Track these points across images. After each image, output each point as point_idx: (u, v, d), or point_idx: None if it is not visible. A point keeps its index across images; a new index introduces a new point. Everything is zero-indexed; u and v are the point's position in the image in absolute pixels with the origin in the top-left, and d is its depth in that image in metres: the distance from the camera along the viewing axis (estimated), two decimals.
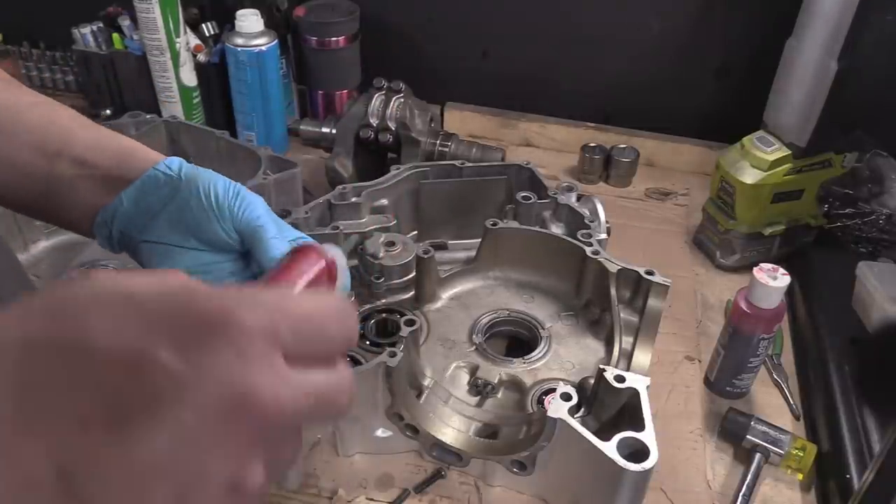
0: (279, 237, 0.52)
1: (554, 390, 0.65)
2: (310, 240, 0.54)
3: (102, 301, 0.28)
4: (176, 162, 0.54)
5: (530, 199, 0.87)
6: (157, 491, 0.26)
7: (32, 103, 0.56)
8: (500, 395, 0.75)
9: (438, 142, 1.10)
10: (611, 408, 0.67)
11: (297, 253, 0.47)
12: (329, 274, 0.46)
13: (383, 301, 0.83)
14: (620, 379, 0.66)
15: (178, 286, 0.29)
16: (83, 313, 0.27)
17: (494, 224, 0.83)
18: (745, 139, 0.95)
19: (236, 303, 0.28)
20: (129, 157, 0.54)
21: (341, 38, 1.14)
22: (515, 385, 0.76)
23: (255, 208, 0.52)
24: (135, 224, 0.53)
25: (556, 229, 0.87)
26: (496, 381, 0.75)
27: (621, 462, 0.59)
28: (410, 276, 0.83)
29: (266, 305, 0.29)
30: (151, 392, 0.26)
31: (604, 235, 0.84)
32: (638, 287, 0.78)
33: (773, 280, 0.74)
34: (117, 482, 0.26)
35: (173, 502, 0.26)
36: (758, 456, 0.74)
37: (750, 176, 0.93)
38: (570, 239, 0.82)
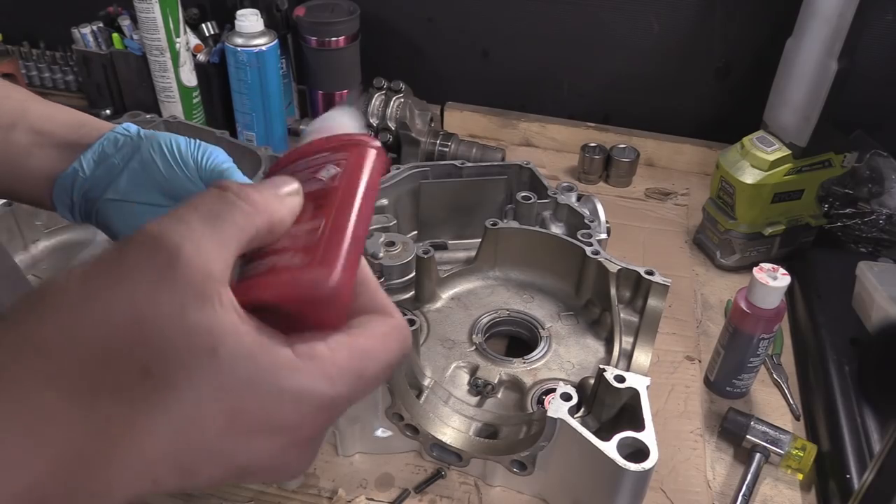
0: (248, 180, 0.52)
1: (554, 390, 0.65)
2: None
3: (59, 303, 0.28)
4: (133, 126, 0.54)
5: (530, 199, 0.87)
6: (162, 472, 0.28)
7: None
8: (500, 395, 0.75)
9: (438, 142, 1.10)
10: (611, 408, 0.67)
11: (347, 145, 0.29)
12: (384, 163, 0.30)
13: None
14: (620, 379, 0.66)
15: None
16: (41, 315, 0.28)
17: (494, 224, 0.83)
18: (745, 139, 0.95)
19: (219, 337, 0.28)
20: (84, 125, 0.54)
21: (341, 38, 1.14)
22: (515, 385, 0.76)
23: (218, 155, 0.53)
24: (97, 185, 0.53)
25: (556, 229, 0.87)
26: (496, 381, 0.75)
27: (621, 462, 0.59)
28: (410, 276, 0.83)
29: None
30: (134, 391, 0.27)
31: (604, 235, 0.84)
32: (638, 287, 0.78)
33: (773, 280, 0.74)
34: (131, 472, 0.28)
35: (178, 477, 0.29)
36: (758, 456, 0.74)
37: (750, 176, 0.93)
38: (570, 239, 0.82)
